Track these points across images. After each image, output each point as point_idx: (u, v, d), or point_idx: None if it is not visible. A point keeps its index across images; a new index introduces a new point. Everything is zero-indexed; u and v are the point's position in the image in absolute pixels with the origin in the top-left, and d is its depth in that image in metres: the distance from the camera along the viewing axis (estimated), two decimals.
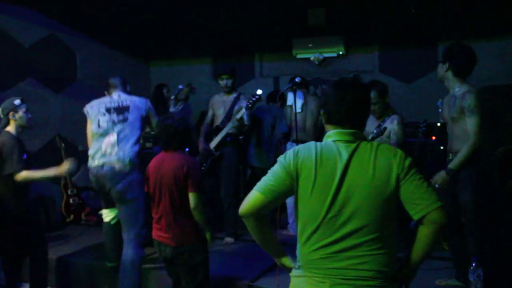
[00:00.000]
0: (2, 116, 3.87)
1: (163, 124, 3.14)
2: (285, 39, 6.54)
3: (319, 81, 6.68)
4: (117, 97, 3.90)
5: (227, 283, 3.82)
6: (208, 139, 4.97)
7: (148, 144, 5.01)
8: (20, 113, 3.83)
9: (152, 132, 5.03)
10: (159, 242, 3.15)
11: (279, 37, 6.64)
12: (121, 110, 3.78)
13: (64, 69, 6.27)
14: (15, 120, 3.82)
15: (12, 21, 5.54)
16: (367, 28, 6.25)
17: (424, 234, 1.79)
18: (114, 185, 3.65)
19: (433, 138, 5.25)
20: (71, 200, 5.78)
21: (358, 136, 1.85)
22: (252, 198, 1.84)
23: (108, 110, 3.79)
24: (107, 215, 4.02)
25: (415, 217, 1.77)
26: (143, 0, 5.81)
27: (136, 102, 3.84)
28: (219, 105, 5.02)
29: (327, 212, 1.76)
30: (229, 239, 4.83)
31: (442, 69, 3.42)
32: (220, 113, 4.97)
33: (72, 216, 5.79)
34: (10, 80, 5.52)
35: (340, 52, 6.51)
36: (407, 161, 1.79)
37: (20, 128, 3.85)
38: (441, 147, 4.65)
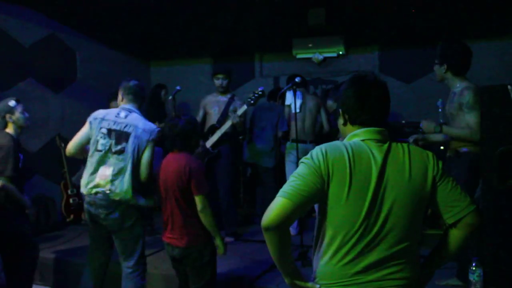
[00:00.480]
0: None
1: (170, 123, 3.14)
2: (285, 39, 6.55)
3: (319, 81, 6.68)
4: (124, 116, 3.35)
5: (227, 283, 3.82)
6: (204, 139, 4.95)
7: None
8: (17, 114, 3.79)
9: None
10: (167, 243, 3.15)
11: (279, 37, 6.64)
12: (121, 137, 3.28)
13: (64, 69, 6.27)
14: (13, 122, 3.78)
15: (12, 21, 5.53)
16: (367, 28, 6.25)
17: (457, 236, 1.73)
18: (111, 212, 3.27)
19: None
20: (71, 200, 5.78)
21: (387, 135, 1.73)
22: (278, 206, 1.58)
23: (109, 133, 3.29)
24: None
25: (451, 220, 1.70)
26: (143, 0, 5.80)
27: (138, 131, 3.28)
28: (212, 104, 5.01)
29: (365, 218, 1.61)
30: (228, 239, 4.83)
31: (440, 71, 3.42)
32: (214, 113, 4.96)
33: (72, 216, 5.79)
34: (10, 80, 5.52)
35: (340, 52, 6.51)
36: (440, 163, 1.72)
37: (19, 128, 3.83)
38: (441, 147, 4.65)
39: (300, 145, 4.63)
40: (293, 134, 4.68)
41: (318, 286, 1.70)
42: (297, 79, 4.42)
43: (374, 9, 5.85)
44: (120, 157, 3.26)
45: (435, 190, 1.68)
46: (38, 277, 4.29)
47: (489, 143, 2.94)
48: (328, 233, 1.67)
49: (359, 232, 1.62)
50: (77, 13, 5.92)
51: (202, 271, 3.12)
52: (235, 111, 4.78)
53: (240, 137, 5.70)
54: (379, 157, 1.65)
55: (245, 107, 4.71)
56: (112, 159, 3.28)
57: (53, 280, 4.50)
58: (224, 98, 4.97)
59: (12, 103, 3.82)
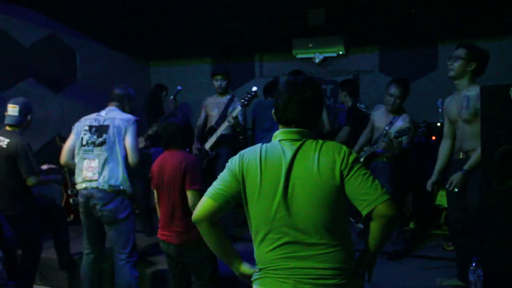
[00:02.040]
0: (18, 115, 3.84)
1: (166, 122, 3.16)
2: (285, 39, 6.54)
3: (319, 81, 6.67)
4: (105, 114, 3.64)
5: (227, 282, 3.81)
6: (202, 140, 4.95)
7: (141, 144, 4.98)
8: (31, 117, 3.97)
9: (149, 132, 5.02)
10: (163, 240, 3.17)
11: (279, 37, 6.64)
12: (101, 130, 3.52)
13: (64, 69, 6.26)
14: (27, 121, 3.94)
15: (12, 21, 5.53)
16: (367, 28, 6.25)
17: (374, 228, 1.78)
18: (107, 203, 3.46)
19: (433, 138, 5.26)
20: (71, 200, 5.77)
21: (304, 134, 1.84)
22: (203, 204, 1.85)
23: (90, 129, 3.55)
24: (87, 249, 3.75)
25: (363, 212, 1.75)
26: (143, 0, 5.81)
27: (115, 122, 3.52)
28: (212, 106, 5.01)
29: (276, 212, 1.77)
30: None
31: (465, 67, 3.33)
32: (214, 114, 4.95)
33: (72, 216, 5.78)
34: (10, 80, 5.52)
35: (340, 52, 6.51)
36: (351, 157, 1.77)
37: (24, 130, 3.92)
38: None
39: None
40: None
41: (257, 269, 1.87)
42: None
43: (374, 9, 5.86)
44: (103, 148, 3.48)
45: (344, 184, 1.75)
46: (38, 277, 4.29)
47: (489, 143, 2.94)
48: (252, 226, 1.87)
49: (274, 224, 1.77)
50: (77, 13, 5.92)
51: (203, 266, 3.15)
52: (233, 111, 4.78)
53: (240, 137, 5.69)
54: (288, 155, 1.79)
55: (239, 107, 4.70)
56: (96, 151, 3.49)
57: (53, 280, 4.49)
58: (224, 99, 4.96)
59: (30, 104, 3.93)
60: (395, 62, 6.38)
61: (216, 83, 4.95)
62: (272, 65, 7.14)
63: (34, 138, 5.63)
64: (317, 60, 6.59)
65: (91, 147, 3.51)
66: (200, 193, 3.03)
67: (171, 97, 5.33)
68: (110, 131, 3.49)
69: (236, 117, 4.68)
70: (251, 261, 2.07)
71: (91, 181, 3.47)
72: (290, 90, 1.86)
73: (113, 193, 3.47)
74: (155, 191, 3.25)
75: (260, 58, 7.21)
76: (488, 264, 2.99)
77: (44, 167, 4.11)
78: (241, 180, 1.83)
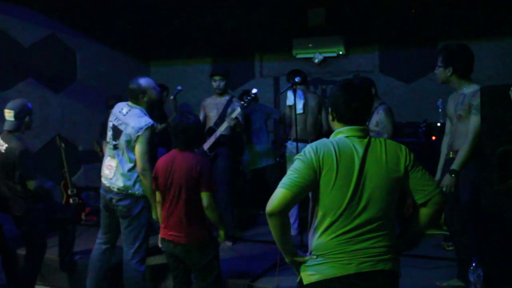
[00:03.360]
0: (14, 119, 3.82)
1: (184, 123, 3.11)
2: (285, 39, 6.55)
3: (319, 81, 6.68)
4: (125, 113, 3.61)
5: (227, 283, 3.82)
6: (202, 141, 4.94)
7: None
8: (31, 117, 3.92)
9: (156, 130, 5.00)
10: (168, 241, 3.15)
11: (279, 37, 6.64)
12: (117, 133, 3.59)
13: (64, 69, 6.27)
14: (26, 123, 3.90)
15: (12, 21, 5.54)
16: (367, 28, 6.25)
17: (426, 213, 2.08)
18: (121, 199, 3.59)
19: (433, 138, 5.26)
20: (71, 200, 5.78)
21: (367, 131, 2.10)
22: (279, 195, 1.94)
23: (113, 128, 3.63)
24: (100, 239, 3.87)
25: (421, 201, 2.05)
26: (143, 0, 5.81)
27: (128, 130, 3.52)
28: (211, 107, 5.00)
29: (350, 201, 1.96)
30: (228, 243, 4.80)
31: (444, 73, 3.36)
32: (213, 115, 4.95)
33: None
34: (10, 80, 5.52)
35: (340, 52, 6.51)
36: (412, 155, 2.07)
37: (26, 129, 3.91)
38: None
39: (301, 145, 4.62)
40: (294, 134, 4.67)
41: (314, 256, 2.04)
42: (296, 79, 4.40)
43: (374, 9, 5.86)
44: (116, 152, 3.60)
45: (408, 177, 2.05)
46: (38, 277, 4.29)
47: (489, 143, 2.94)
48: (320, 214, 2.02)
49: (345, 213, 1.97)
50: (77, 13, 5.93)
51: (210, 267, 3.16)
52: (233, 111, 4.78)
53: (244, 137, 5.69)
54: (360, 150, 2.01)
55: (239, 109, 4.69)
56: (115, 152, 3.61)
57: (53, 281, 4.50)
58: (223, 100, 4.95)
59: (29, 104, 3.91)
60: (395, 62, 6.39)
61: (215, 84, 4.94)
62: (272, 65, 7.14)
63: (34, 138, 5.64)
64: (317, 60, 6.59)
65: (111, 147, 3.65)
66: (213, 194, 3.10)
67: (171, 97, 5.32)
68: (122, 138, 3.54)
69: (236, 118, 4.68)
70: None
71: (107, 178, 3.65)
72: (352, 91, 2.09)
73: (124, 193, 3.59)
74: (157, 192, 3.24)
75: (260, 58, 7.22)
76: (488, 264, 2.99)
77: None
78: (318, 171, 1.97)
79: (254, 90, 4.78)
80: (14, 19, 5.56)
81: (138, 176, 3.54)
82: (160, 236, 3.25)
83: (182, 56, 7.43)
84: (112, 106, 3.86)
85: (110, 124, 3.67)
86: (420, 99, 6.15)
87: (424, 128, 5.13)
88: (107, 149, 3.70)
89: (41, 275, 4.41)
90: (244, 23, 6.49)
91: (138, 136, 3.48)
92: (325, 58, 6.62)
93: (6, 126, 3.85)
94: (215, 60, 7.33)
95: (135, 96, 3.61)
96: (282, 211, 1.95)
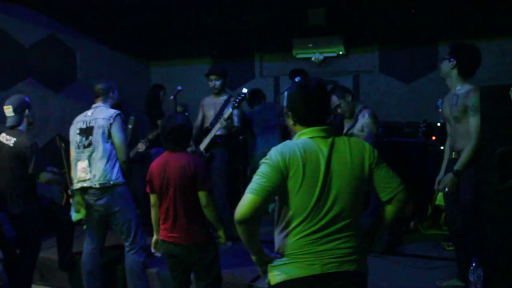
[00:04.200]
0: (14, 114, 3.89)
1: (172, 124, 3.12)
2: (285, 39, 6.54)
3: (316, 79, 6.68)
4: (91, 113, 3.80)
5: (227, 283, 3.82)
6: (199, 141, 4.94)
7: (142, 148, 4.96)
8: (32, 111, 4.05)
9: (150, 137, 4.99)
10: (168, 242, 3.14)
11: (279, 37, 6.64)
12: (87, 132, 3.70)
13: (64, 69, 6.26)
14: (28, 117, 3.98)
15: (12, 21, 5.53)
16: (367, 28, 6.25)
17: (390, 210, 2.10)
18: (98, 198, 3.67)
19: (433, 138, 5.26)
20: (71, 200, 5.76)
21: (331, 131, 2.07)
22: (248, 201, 1.91)
23: (80, 132, 3.74)
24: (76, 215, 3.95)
25: (385, 198, 2.07)
26: (143, 0, 5.81)
27: (98, 122, 3.68)
28: (209, 106, 4.98)
29: (317, 201, 1.96)
30: (228, 243, 4.78)
31: (447, 66, 3.39)
32: (211, 115, 4.93)
33: None
34: (10, 80, 5.52)
35: (340, 52, 6.51)
36: (376, 152, 2.08)
37: (29, 126, 3.95)
38: (441, 147, 4.65)
39: None
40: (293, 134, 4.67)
41: (280, 256, 2.03)
42: (296, 79, 4.41)
43: (374, 9, 5.86)
44: (90, 149, 3.67)
45: (372, 175, 2.05)
46: (38, 277, 4.30)
47: (489, 143, 2.94)
48: (287, 216, 2.00)
49: (312, 213, 1.96)
50: (77, 13, 5.93)
51: (211, 267, 3.16)
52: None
53: (240, 137, 5.68)
54: (325, 150, 2.00)
55: (230, 110, 4.66)
56: (85, 153, 3.69)
57: (53, 280, 4.50)
58: (220, 100, 4.94)
59: (27, 98, 3.95)
60: (395, 62, 6.39)
61: (211, 83, 4.93)
62: (272, 65, 7.14)
63: (34, 138, 5.63)
64: (316, 60, 6.59)
65: (81, 149, 3.71)
66: (210, 192, 3.10)
67: (171, 97, 5.32)
68: (94, 131, 3.65)
69: (227, 119, 4.64)
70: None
71: (84, 180, 3.68)
72: (308, 93, 2.07)
73: (105, 189, 3.64)
74: (151, 195, 3.22)
75: (260, 58, 7.21)
76: (488, 264, 2.99)
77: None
78: (285, 174, 1.95)
79: (245, 90, 4.75)
80: (14, 19, 5.56)
81: (114, 164, 3.65)
82: (159, 238, 3.23)
83: (182, 56, 7.42)
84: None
85: (76, 131, 3.75)
86: (420, 99, 6.15)
87: (424, 128, 5.12)
88: (73, 154, 3.76)
89: (41, 275, 4.42)
90: (244, 23, 6.49)
91: (111, 124, 3.64)
92: (325, 58, 6.62)
93: (8, 122, 3.92)
94: (215, 60, 7.33)
95: (105, 94, 3.85)
96: (251, 218, 1.91)
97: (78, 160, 3.72)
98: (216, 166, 4.86)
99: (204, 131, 4.92)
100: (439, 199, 4.66)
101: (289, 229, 2.00)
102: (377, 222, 2.18)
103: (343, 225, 1.99)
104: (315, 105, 2.06)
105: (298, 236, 1.98)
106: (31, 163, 3.82)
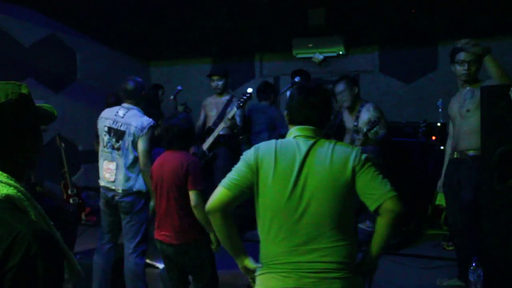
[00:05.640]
0: None
1: (168, 123, 3.15)
2: (285, 39, 6.54)
3: (319, 81, 6.68)
4: (122, 114, 3.66)
5: (227, 283, 3.81)
6: (201, 141, 4.93)
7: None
8: None
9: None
10: (161, 241, 3.15)
11: (279, 37, 6.64)
12: (118, 135, 3.64)
13: (64, 69, 6.27)
14: None
15: (12, 21, 5.53)
16: (367, 28, 6.25)
17: (381, 224, 1.85)
18: (122, 197, 3.68)
19: (433, 138, 5.26)
20: (71, 200, 5.78)
21: (318, 133, 1.98)
22: (218, 194, 1.90)
23: (109, 131, 3.67)
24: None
25: (371, 208, 1.83)
26: (143, 0, 5.81)
27: (131, 129, 3.60)
28: (211, 106, 4.99)
29: (287, 201, 1.84)
30: None
31: (476, 66, 3.39)
32: (213, 115, 4.94)
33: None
34: (10, 80, 5.50)
35: (340, 52, 6.51)
36: (363, 156, 1.89)
37: None
38: (441, 147, 4.65)
39: None
40: None
41: (260, 265, 1.93)
42: (296, 79, 4.41)
43: (374, 9, 5.86)
44: (119, 153, 3.63)
45: (355, 179, 1.85)
46: None
47: (489, 144, 2.94)
48: (261, 217, 1.92)
49: (285, 214, 1.84)
50: (77, 13, 5.93)
51: (203, 267, 3.13)
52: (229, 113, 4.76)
53: (240, 137, 5.67)
54: (303, 149, 1.89)
55: (234, 109, 4.66)
56: (114, 154, 3.65)
57: None
58: (222, 100, 4.94)
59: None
60: (395, 62, 6.39)
61: (213, 84, 4.94)
62: (272, 65, 7.14)
63: None
64: (317, 60, 6.60)
65: (109, 149, 3.68)
66: (201, 192, 3.05)
67: (171, 97, 5.33)
68: (126, 137, 3.61)
69: (232, 119, 4.63)
70: (255, 261, 2.08)
71: (108, 181, 3.69)
72: (303, 94, 2.02)
73: (129, 193, 3.67)
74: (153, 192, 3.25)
75: (260, 58, 7.21)
76: (488, 264, 2.99)
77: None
78: (255, 170, 1.89)
79: (250, 89, 4.73)
80: (14, 19, 5.56)
81: (139, 173, 3.64)
82: (154, 237, 3.23)
83: (182, 56, 7.42)
84: (112, 104, 3.89)
85: (104, 128, 3.69)
86: (420, 99, 6.15)
87: (424, 128, 5.12)
88: (103, 152, 3.73)
89: None
90: (244, 23, 6.49)
91: (141, 136, 3.58)
92: (325, 58, 6.62)
93: None
94: (215, 60, 7.33)
95: (133, 96, 3.69)
96: (221, 210, 1.89)
97: (105, 159, 3.72)
98: (219, 165, 4.87)
99: (207, 131, 4.92)
100: (439, 199, 4.67)
101: (265, 232, 1.91)
102: (374, 237, 1.92)
103: (323, 231, 1.81)
104: (307, 107, 1.99)
105: (275, 242, 1.86)
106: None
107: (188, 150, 3.26)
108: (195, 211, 3.05)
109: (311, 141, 1.92)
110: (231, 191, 1.89)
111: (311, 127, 1.97)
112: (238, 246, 2.02)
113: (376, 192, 1.82)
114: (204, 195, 3.10)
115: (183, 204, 3.06)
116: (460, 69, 3.40)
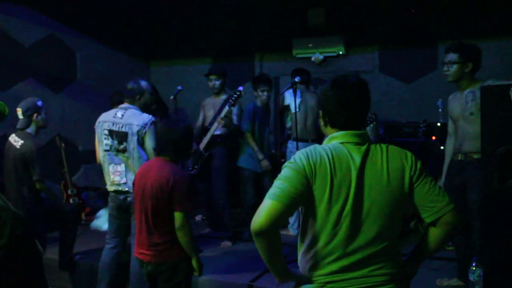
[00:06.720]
0: (22, 116, 3.97)
1: (167, 126, 2.90)
2: (285, 39, 6.54)
3: (319, 81, 6.68)
4: (121, 115, 3.58)
5: (227, 283, 3.82)
6: (198, 141, 4.93)
7: None
8: (42, 115, 4.02)
9: None
10: (140, 260, 2.88)
11: (279, 37, 6.64)
12: (120, 137, 3.55)
13: (64, 69, 6.27)
14: (37, 121, 4.03)
15: (12, 21, 5.54)
16: (367, 28, 6.25)
17: (436, 234, 1.78)
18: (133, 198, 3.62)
19: (433, 138, 5.26)
20: (71, 200, 5.77)
21: (366, 137, 1.79)
22: (267, 209, 1.61)
23: (110, 134, 3.57)
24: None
25: (429, 220, 1.75)
26: (143, 0, 5.81)
27: (133, 129, 3.51)
28: (209, 106, 5.00)
29: (346, 216, 1.68)
30: (228, 243, 4.79)
31: (462, 70, 3.34)
32: (210, 115, 4.94)
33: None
34: (10, 80, 5.52)
35: (340, 52, 6.51)
36: (419, 163, 1.76)
37: (39, 129, 4.00)
38: (441, 147, 4.65)
39: (302, 144, 4.61)
40: (294, 133, 4.65)
41: (305, 278, 1.77)
42: (296, 79, 4.40)
43: (374, 9, 5.86)
44: (126, 154, 3.55)
45: (413, 191, 1.74)
46: None
47: (489, 143, 2.94)
48: (313, 232, 1.72)
49: (340, 232, 1.68)
50: (77, 13, 5.93)
51: None
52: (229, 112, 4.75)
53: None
54: (357, 159, 1.71)
55: (226, 108, 4.66)
56: (120, 156, 3.57)
57: (53, 280, 4.49)
58: (220, 100, 4.94)
59: (40, 103, 4.03)
60: (395, 62, 6.39)
61: (210, 83, 4.95)
62: (272, 65, 7.14)
63: (40, 141, 5.64)
64: (316, 60, 6.59)
65: (114, 152, 3.58)
66: (187, 215, 2.77)
67: (171, 97, 5.32)
68: (129, 138, 3.52)
69: (224, 118, 4.62)
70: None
71: (119, 184, 3.61)
72: (347, 91, 1.77)
73: None
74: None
75: (260, 58, 7.21)
76: (488, 264, 2.99)
77: None
78: (311, 180, 1.67)
79: (240, 88, 4.71)
80: (14, 19, 5.56)
81: None
82: (134, 255, 3.00)
83: (182, 56, 7.43)
84: (116, 102, 3.87)
85: (104, 132, 3.58)
86: (420, 99, 6.15)
87: (424, 128, 5.13)
88: (106, 157, 3.61)
89: None
90: (244, 23, 6.48)
91: (145, 132, 3.52)
92: (325, 58, 6.62)
93: (18, 125, 4.05)
94: (215, 60, 7.33)
95: (132, 96, 3.64)
96: (272, 228, 1.60)
97: (110, 163, 3.60)
98: (215, 165, 4.87)
99: (204, 131, 4.92)
100: None
101: (316, 248, 1.72)
102: (420, 247, 1.86)
103: (379, 248, 1.71)
104: (351, 106, 1.76)
105: (327, 260, 1.71)
106: (35, 169, 3.88)
107: (178, 163, 2.97)
108: (178, 234, 2.76)
109: (363, 149, 1.74)
110: (282, 203, 1.61)
111: (358, 131, 1.77)
112: (282, 265, 1.77)
113: (436, 205, 1.73)
114: (201, 197, 2.98)
115: (163, 221, 2.78)
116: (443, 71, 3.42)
